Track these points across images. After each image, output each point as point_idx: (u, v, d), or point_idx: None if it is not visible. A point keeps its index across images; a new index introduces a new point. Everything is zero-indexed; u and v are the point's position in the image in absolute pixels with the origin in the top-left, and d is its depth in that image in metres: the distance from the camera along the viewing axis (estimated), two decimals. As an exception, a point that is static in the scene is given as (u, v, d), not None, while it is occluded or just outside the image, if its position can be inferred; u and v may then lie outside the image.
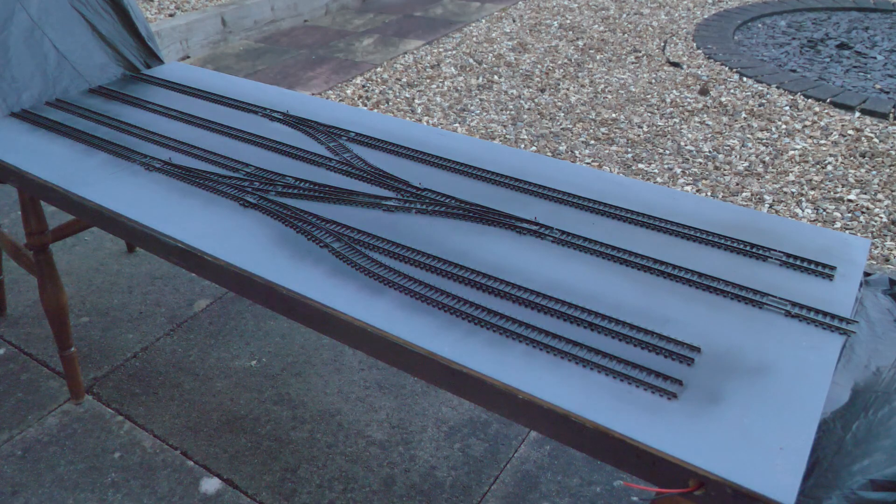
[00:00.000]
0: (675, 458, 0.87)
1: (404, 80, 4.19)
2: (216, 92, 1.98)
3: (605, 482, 1.75)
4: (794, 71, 4.20)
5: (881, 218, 2.77)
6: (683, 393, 0.97)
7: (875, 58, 4.40)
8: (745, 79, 4.05)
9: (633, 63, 4.35)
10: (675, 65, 4.28)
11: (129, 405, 1.99)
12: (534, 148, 3.38)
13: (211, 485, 1.76)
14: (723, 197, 2.94)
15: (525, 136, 3.48)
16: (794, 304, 1.12)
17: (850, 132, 3.41)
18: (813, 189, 2.97)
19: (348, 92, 4.05)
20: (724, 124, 3.54)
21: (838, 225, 2.74)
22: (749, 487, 0.83)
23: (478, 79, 4.16)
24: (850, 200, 2.88)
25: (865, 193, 2.93)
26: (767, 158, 3.21)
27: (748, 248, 1.27)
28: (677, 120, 3.61)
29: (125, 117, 1.83)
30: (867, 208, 2.83)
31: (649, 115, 3.67)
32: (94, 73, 2.03)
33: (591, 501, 1.70)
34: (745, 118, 3.59)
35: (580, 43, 4.69)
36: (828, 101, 3.73)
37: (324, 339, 2.21)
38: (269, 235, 1.33)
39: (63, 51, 1.97)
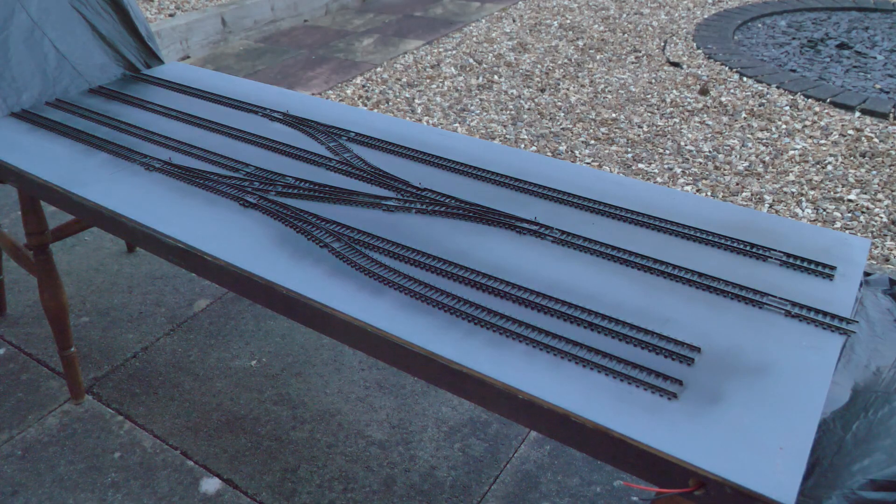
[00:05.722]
0: (675, 458, 0.87)
1: (404, 80, 4.19)
2: (216, 92, 1.98)
3: (605, 482, 1.75)
4: (794, 71, 4.20)
5: (881, 218, 2.77)
6: (683, 393, 0.97)
7: (875, 58, 4.40)
8: (745, 79, 4.05)
9: (633, 63, 4.35)
10: (675, 65, 4.28)
11: (129, 405, 1.99)
12: (534, 148, 3.38)
13: (211, 485, 1.76)
14: (723, 197, 2.94)
15: (525, 136, 3.48)
16: (794, 304, 1.12)
17: (850, 132, 3.41)
18: (813, 189, 2.97)
19: (348, 92, 4.05)
20: (724, 124, 3.54)
21: (838, 225, 2.74)
22: (749, 487, 0.83)
23: (478, 79, 4.16)
24: (850, 200, 2.88)
25: (865, 193, 2.93)
26: (767, 158, 3.21)
27: (748, 248, 1.27)
28: (677, 120, 3.61)
29: (125, 117, 1.83)
30: (867, 208, 2.83)
31: (649, 115, 3.67)
32: (94, 73, 2.03)
33: (591, 501, 1.70)
34: (745, 118, 3.59)
35: (580, 43, 4.69)
36: (828, 100, 3.73)
37: (324, 339, 2.21)
38: (269, 235, 1.33)
39: (63, 51, 1.97)
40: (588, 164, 3.22)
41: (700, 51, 4.51)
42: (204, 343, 2.22)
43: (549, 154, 3.31)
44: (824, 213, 2.81)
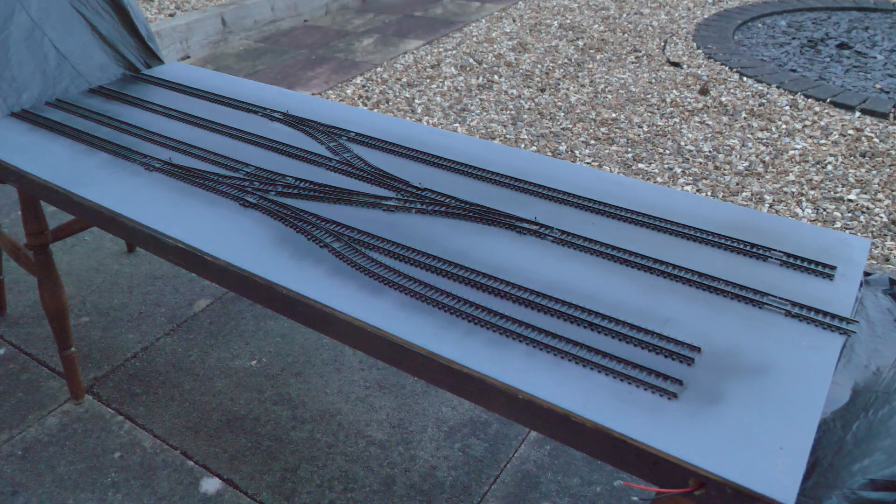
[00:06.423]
0: (675, 458, 0.87)
1: (404, 79, 4.19)
2: (216, 92, 1.98)
3: (605, 482, 1.75)
4: (794, 71, 4.20)
5: (881, 218, 2.77)
6: (683, 393, 0.97)
7: (875, 57, 4.40)
8: (745, 79, 4.05)
9: (633, 63, 4.35)
10: (675, 65, 4.28)
11: (129, 405, 1.99)
12: (534, 148, 3.38)
13: (211, 485, 1.76)
14: (723, 197, 2.94)
15: (525, 136, 3.48)
16: (794, 304, 1.12)
17: (851, 132, 3.41)
18: (813, 189, 2.97)
19: (348, 92, 4.05)
20: (724, 124, 3.54)
21: (838, 225, 2.74)
22: (749, 487, 0.83)
23: (478, 79, 4.16)
24: (850, 200, 2.88)
25: (865, 193, 2.93)
26: (767, 158, 3.21)
27: (748, 248, 1.27)
28: (677, 120, 3.61)
29: (125, 117, 1.83)
30: (867, 208, 2.83)
31: (649, 114, 3.67)
32: (94, 73, 2.03)
33: (591, 501, 1.70)
34: (745, 118, 3.59)
35: (580, 43, 4.69)
36: (828, 100, 3.73)
37: (324, 339, 2.21)
38: (269, 235, 1.33)
39: (63, 51, 1.97)
40: (588, 164, 3.22)
41: (700, 51, 4.51)
42: (204, 343, 2.22)
43: (549, 154, 3.31)
44: (824, 213, 2.81)
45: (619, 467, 0.93)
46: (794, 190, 2.97)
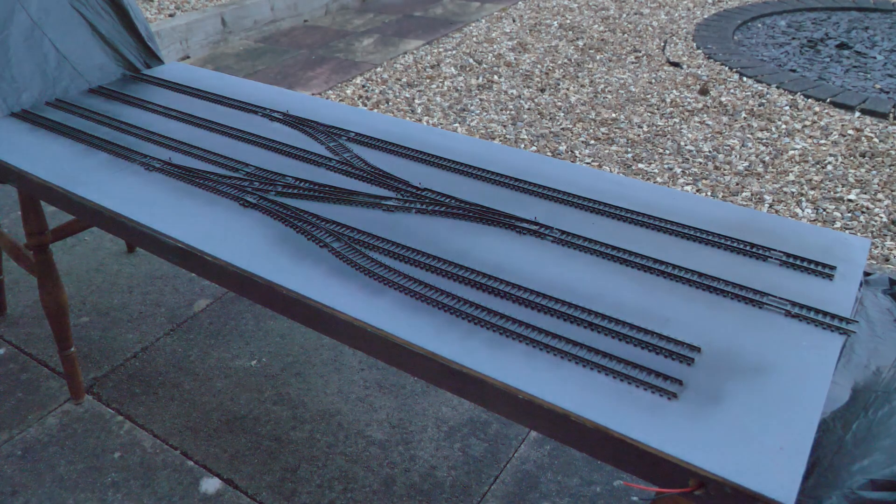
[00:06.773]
0: (675, 458, 0.87)
1: (404, 80, 4.19)
2: (216, 92, 1.98)
3: (605, 482, 1.75)
4: (794, 71, 4.20)
5: (881, 218, 2.77)
6: (683, 393, 0.97)
7: (875, 58, 4.40)
8: (745, 79, 4.05)
9: (633, 63, 4.35)
10: (675, 65, 4.28)
11: (129, 405, 1.99)
12: (534, 148, 3.38)
13: (211, 485, 1.76)
14: (723, 197, 2.94)
15: (525, 136, 3.48)
16: (794, 304, 1.12)
17: (850, 132, 3.41)
18: (813, 189, 2.97)
19: (348, 92, 4.05)
20: (724, 124, 3.54)
21: (838, 225, 2.74)
22: (749, 487, 0.83)
23: (478, 79, 4.16)
24: (850, 200, 2.88)
25: (865, 193, 2.93)
26: (767, 158, 3.21)
27: (748, 248, 1.27)
28: (677, 120, 3.61)
29: (125, 117, 1.83)
30: (867, 208, 2.83)
31: (649, 114, 3.67)
32: (94, 73, 2.03)
33: (591, 501, 1.70)
34: (745, 118, 3.59)
35: (580, 43, 4.69)
36: (828, 100, 3.73)
37: (324, 339, 2.21)
38: (269, 235, 1.33)
39: (63, 51, 1.97)
40: (588, 164, 3.22)
41: (700, 51, 4.51)
42: (204, 343, 2.22)
43: (549, 154, 3.31)
44: (824, 213, 2.82)
45: (619, 467, 0.93)
46: (793, 190, 2.97)
